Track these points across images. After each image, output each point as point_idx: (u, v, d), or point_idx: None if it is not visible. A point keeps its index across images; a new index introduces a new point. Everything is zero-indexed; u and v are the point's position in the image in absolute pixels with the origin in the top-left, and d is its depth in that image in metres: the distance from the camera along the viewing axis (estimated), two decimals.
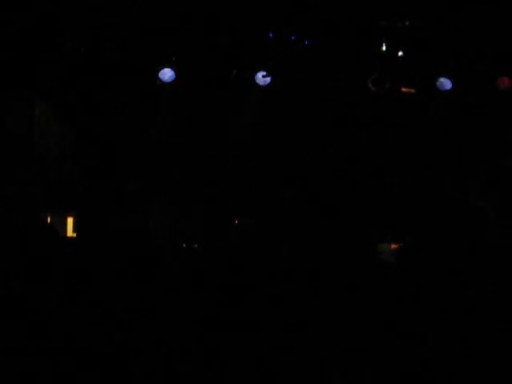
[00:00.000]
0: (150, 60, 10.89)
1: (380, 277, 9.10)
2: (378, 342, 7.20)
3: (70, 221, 10.95)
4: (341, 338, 7.24)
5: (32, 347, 6.61)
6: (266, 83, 11.14)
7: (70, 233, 11.00)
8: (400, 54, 11.01)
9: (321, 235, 11.02)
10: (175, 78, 10.90)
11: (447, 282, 8.78)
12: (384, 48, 10.96)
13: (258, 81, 11.12)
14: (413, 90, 11.17)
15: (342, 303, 8.07)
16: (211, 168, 11.61)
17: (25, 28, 10.05)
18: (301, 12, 10.46)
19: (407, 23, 10.71)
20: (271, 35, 10.96)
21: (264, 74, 11.00)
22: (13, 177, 10.47)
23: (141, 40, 10.54)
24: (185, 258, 10.51)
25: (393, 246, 10.59)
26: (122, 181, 11.31)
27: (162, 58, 10.89)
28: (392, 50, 11.01)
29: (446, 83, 11.17)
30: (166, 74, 10.90)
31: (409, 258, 9.81)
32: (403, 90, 11.14)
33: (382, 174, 11.62)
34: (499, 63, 10.89)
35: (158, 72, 10.89)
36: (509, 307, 7.92)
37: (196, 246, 10.90)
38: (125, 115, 11.26)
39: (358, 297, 8.27)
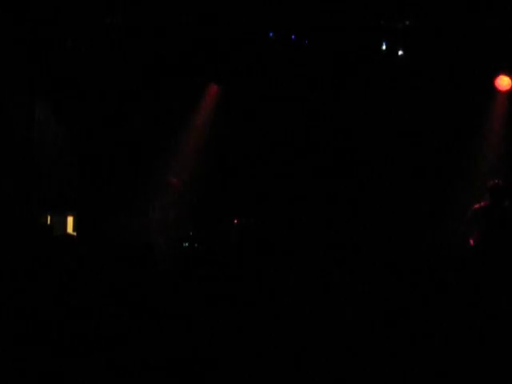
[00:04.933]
0: (149, 60, 10.94)
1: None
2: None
3: (70, 221, 10.97)
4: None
5: (31, 347, 6.62)
6: None
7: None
8: (400, 53, 11.03)
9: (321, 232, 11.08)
10: None
11: None
12: (384, 48, 10.98)
13: None
14: None
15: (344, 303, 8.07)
16: (210, 168, 11.64)
17: (25, 28, 10.08)
18: (301, 12, 10.47)
19: (407, 23, 10.71)
20: (271, 35, 10.99)
21: None
22: (13, 177, 10.46)
23: (139, 39, 10.60)
24: (184, 257, 10.52)
25: None
26: (121, 181, 11.34)
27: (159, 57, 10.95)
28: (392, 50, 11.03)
29: None
30: None
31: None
32: None
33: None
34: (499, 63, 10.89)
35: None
36: None
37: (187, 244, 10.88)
38: (124, 115, 11.29)
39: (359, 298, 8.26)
